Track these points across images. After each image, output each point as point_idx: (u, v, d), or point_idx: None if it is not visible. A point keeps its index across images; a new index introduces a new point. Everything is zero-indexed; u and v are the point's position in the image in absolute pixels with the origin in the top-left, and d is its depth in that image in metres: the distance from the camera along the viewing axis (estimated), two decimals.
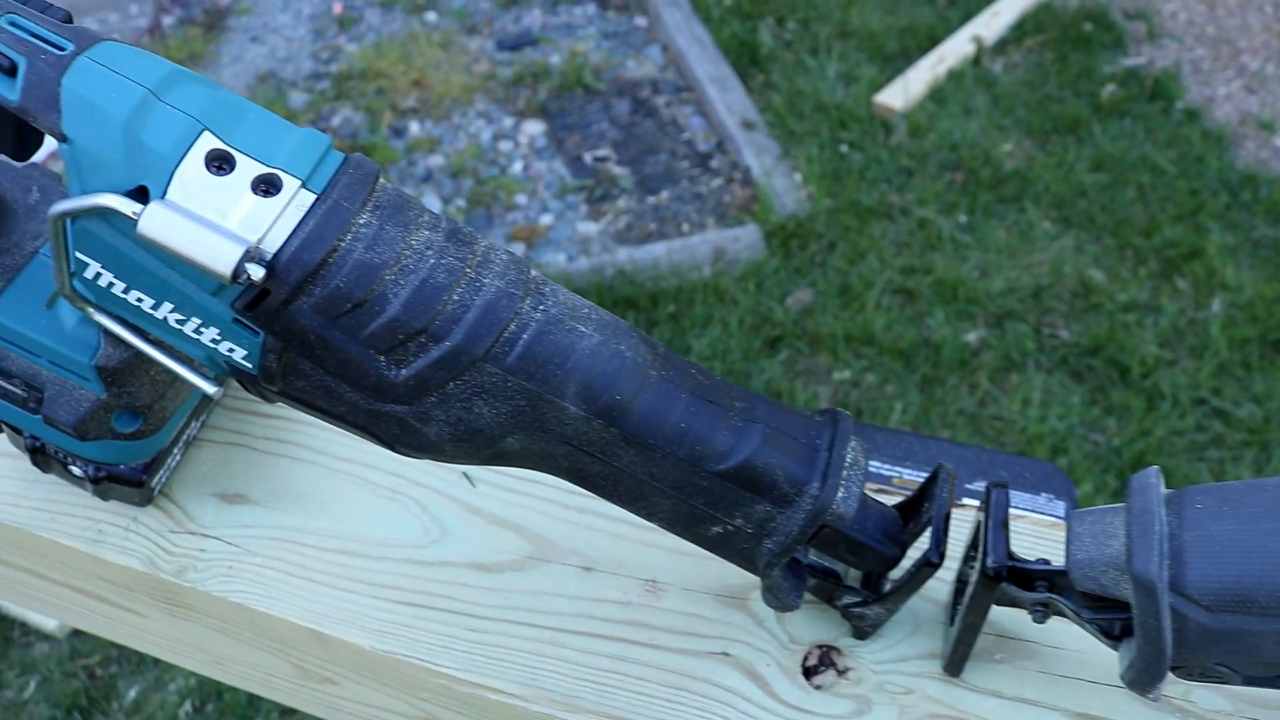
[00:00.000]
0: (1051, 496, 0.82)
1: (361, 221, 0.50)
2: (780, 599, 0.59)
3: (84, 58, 0.50)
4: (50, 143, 0.55)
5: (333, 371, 0.52)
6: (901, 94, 3.06)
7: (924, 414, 2.38)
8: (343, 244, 0.50)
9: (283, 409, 0.77)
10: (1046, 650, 0.65)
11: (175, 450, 0.72)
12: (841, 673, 0.64)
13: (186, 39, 3.54)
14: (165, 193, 0.49)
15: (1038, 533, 0.69)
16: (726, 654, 0.65)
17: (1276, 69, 3.25)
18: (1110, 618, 0.55)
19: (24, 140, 0.57)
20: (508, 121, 3.19)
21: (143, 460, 0.69)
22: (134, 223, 0.49)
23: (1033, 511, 0.69)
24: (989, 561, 0.55)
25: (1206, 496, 0.51)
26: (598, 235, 2.82)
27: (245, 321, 0.52)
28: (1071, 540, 0.54)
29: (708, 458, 0.53)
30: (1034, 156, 2.92)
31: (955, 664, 0.62)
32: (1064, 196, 2.81)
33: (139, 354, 0.62)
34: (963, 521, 0.67)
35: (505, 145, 3.11)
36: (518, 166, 3.03)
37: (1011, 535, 0.57)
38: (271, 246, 0.49)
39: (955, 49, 3.24)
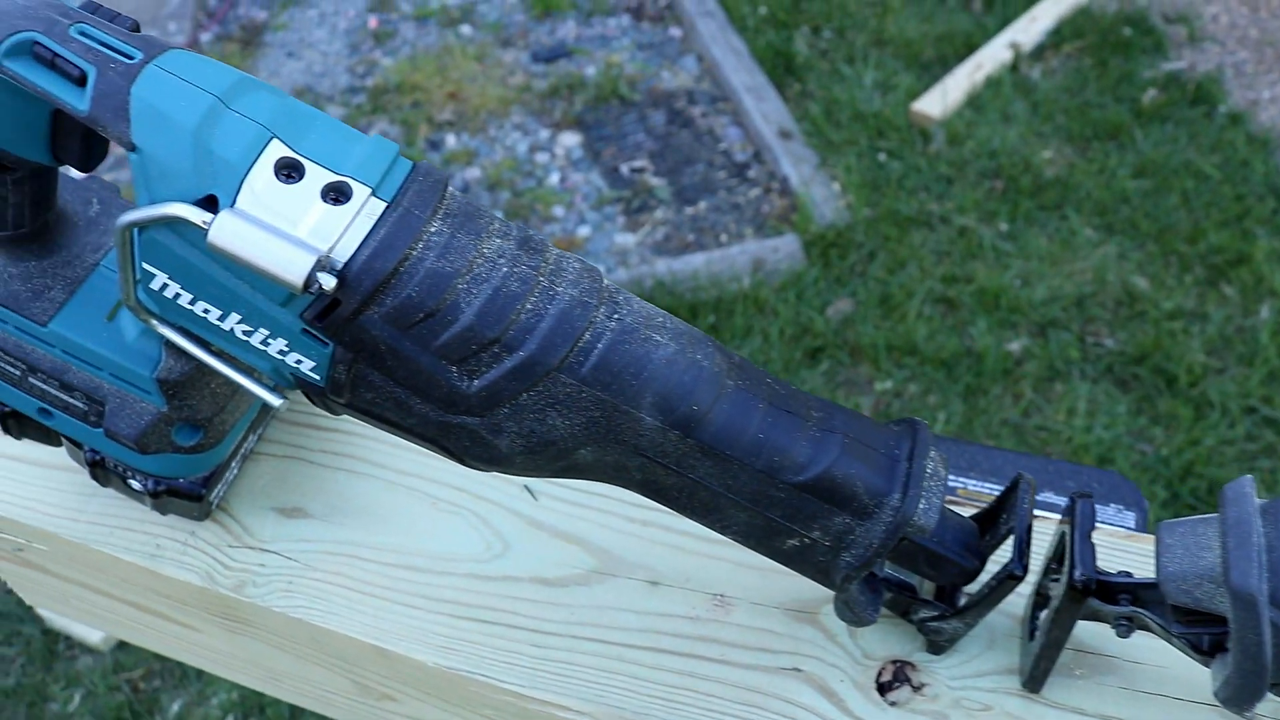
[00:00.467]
0: (1121, 508, 0.80)
1: (433, 229, 0.49)
2: (856, 613, 0.57)
3: (153, 66, 0.49)
4: None
5: (403, 383, 0.51)
6: (939, 102, 3.03)
7: (967, 424, 2.35)
8: (414, 252, 0.49)
9: (339, 422, 0.77)
10: (1128, 665, 0.63)
11: (233, 464, 0.72)
12: (917, 688, 0.62)
13: (224, 55, 3.56)
14: (235, 201, 0.48)
15: (1114, 544, 0.67)
16: (798, 669, 0.63)
17: None
18: (1200, 632, 0.53)
19: (89, 151, 0.57)
20: (544, 133, 3.19)
21: (202, 474, 0.68)
22: (204, 232, 0.48)
23: (1103, 523, 0.67)
24: (1077, 574, 0.53)
25: None
26: (636, 246, 2.81)
27: (314, 332, 0.51)
28: (1162, 552, 0.53)
29: (786, 469, 0.52)
30: (1075, 163, 2.89)
31: (1036, 680, 0.60)
32: (1106, 203, 2.77)
33: (201, 367, 0.62)
34: (1040, 533, 0.66)
35: (542, 157, 3.11)
36: (554, 178, 3.03)
37: None
38: (342, 255, 0.48)
39: (993, 56, 3.21)
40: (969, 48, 3.28)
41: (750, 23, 3.47)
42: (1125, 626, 0.56)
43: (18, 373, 0.64)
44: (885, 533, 0.52)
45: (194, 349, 0.57)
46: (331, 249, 0.48)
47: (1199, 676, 0.59)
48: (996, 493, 0.85)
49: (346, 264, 0.48)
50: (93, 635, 2.07)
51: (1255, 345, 2.44)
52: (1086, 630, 0.61)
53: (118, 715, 2.00)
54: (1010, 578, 0.55)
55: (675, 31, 3.58)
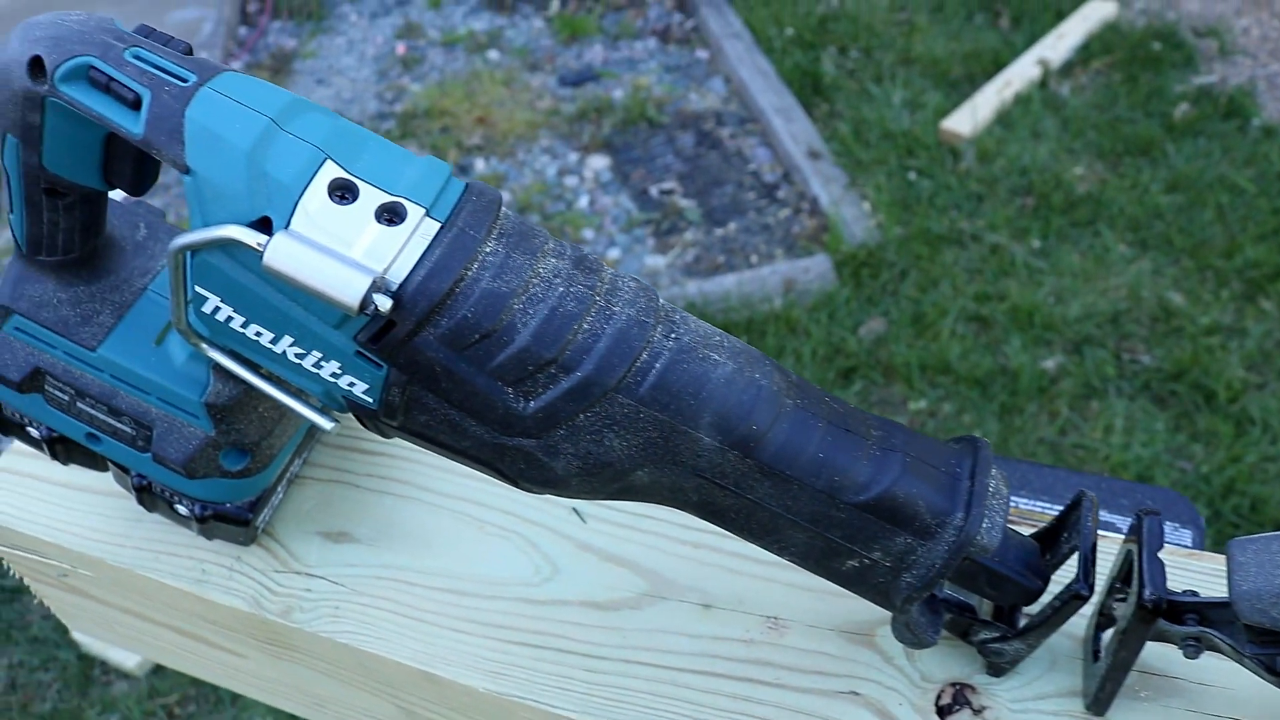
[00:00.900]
0: (1177, 525, 0.79)
1: (488, 249, 0.49)
2: (916, 635, 0.56)
3: (207, 88, 0.49)
4: None
5: (458, 405, 0.50)
6: (969, 119, 3.02)
7: (1003, 443, 2.32)
8: (469, 273, 0.48)
9: (384, 446, 0.76)
10: (1194, 688, 0.61)
11: (279, 488, 0.71)
12: (977, 712, 0.61)
13: None
14: (289, 223, 0.48)
15: (1175, 562, 0.66)
16: (855, 693, 0.62)
17: None
18: (1275, 653, 0.52)
19: (140, 175, 0.57)
20: (572, 156, 3.20)
21: (249, 498, 0.68)
22: (258, 255, 0.48)
23: None
24: (1147, 594, 0.52)
25: None
26: (666, 268, 2.80)
27: (369, 355, 0.50)
28: (1234, 570, 0.51)
29: (846, 488, 0.51)
30: (1106, 179, 2.87)
31: (1101, 702, 0.59)
32: (1139, 219, 2.75)
33: (248, 390, 0.61)
34: (1100, 552, 0.64)
35: (571, 180, 3.11)
36: (584, 201, 3.03)
37: None
38: (397, 276, 0.48)
39: (1021, 73, 3.20)
40: (997, 65, 3.27)
41: (777, 44, 3.47)
42: (1194, 647, 0.55)
43: (66, 398, 0.64)
44: (948, 553, 0.51)
45: (244, 372, 0.56)
46: (386, 270, 0.48)
47: (1271, 698, 0.58)
48: (1048, 510, 0.83)
49: (402, 285, 0.48)
50: (128, 661, 2.07)
51: None
52: (1152, 651, 0.59)
53: None
54: (1076, 597, 0.54)
55: (702, 54, 3.58)
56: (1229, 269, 2.61)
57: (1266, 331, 2.47)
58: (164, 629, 0.82)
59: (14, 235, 0.60)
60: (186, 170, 0.49)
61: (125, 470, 0.67)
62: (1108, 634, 0.60)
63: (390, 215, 0.48)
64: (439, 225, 0.49)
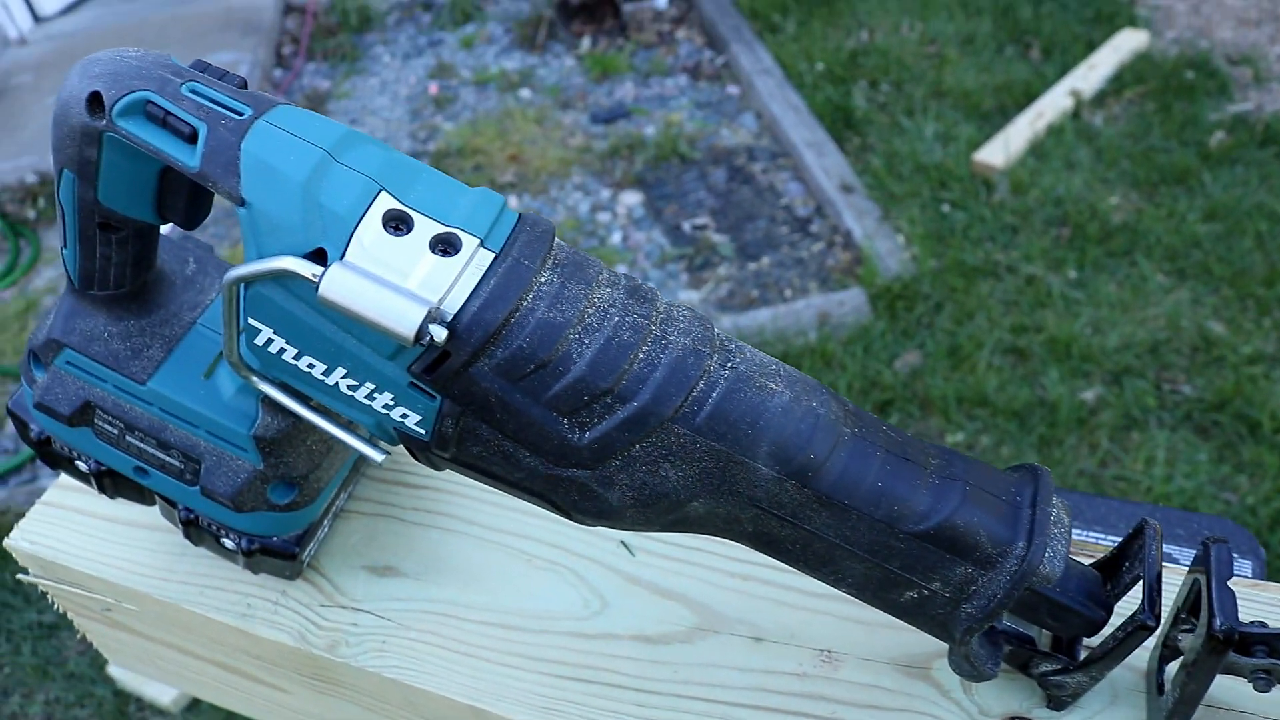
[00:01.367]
0: (1236, 555, 0.77)
1: (542, 280, 0.49)
2: (976, 667, 0.55)
3: (262, 121, 0.49)
4: None
5: (512, 436, 0.50)
6: (1002, 151, 3.01)
7: None
8: (524, 303, 0.48)
9: (430, 479, 0.76)
10: None
11: (324, 522, 0.71)
12: None
13: None
14: (344, 254, 0.48)
15: (1240, 593, 0.64)
16: None
17: None
18: None
19: (194, 209, 0.57)
20: (605, 193, 3.21)
21: (295, 532, 0.68)
22: (313, 286, 0.48)
23: None
24: (1218, 624, 0.50)
25: None
26: (700, 303, 2.80)
27: (423, 385, 0.50)
28: None
29: (906, 518, 0.50)
30: (1142, 209, 2.85)
31: None
32: (1177, 248, 2.72)
33: (297, 424, 0.61)
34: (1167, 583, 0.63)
35: (603, 216, 3.12)
36: (617, 237, 3.04)
37: None
38: (453, 307, 0.48)
39: (1053, 104, 3.19)
40: (1029, 96, 3.27)
41: (808, 79, 3.48)
42: (1264, 680, 0.53)
43: (115, 431, 0.64)
44: (1009, 583, 0.50)
45: (295, 405, 0.56)
46: (442, 300, 0.47)
47: None
48: (1100, 541, 0.82)
49: (457, 315, 0.47)
50: (164, 697, 2.07)
51: None
52: (1219, 684, 0.58)
53: None
54: (1142, 628, 0.53)
55: (733, 89, 3.60)
56: (1270, 297, 2.58)
57: None
58: (207, 664, 0.82)
59: (67, 269, 0.61)
60: (242, 203, 0.49)
61: (172, 504, 0.67)
62: (1172, 667, 0.58)
63: (445, 246, 0.48)
64: (493, 256, 0.49)
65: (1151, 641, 0.60)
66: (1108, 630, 0.56)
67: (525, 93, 3.71)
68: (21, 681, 2.14)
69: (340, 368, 0.52)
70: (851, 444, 0.50)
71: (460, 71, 3.90)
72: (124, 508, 0.77)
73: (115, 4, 4.54)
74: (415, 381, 0.50)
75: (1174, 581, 0.64)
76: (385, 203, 0.49)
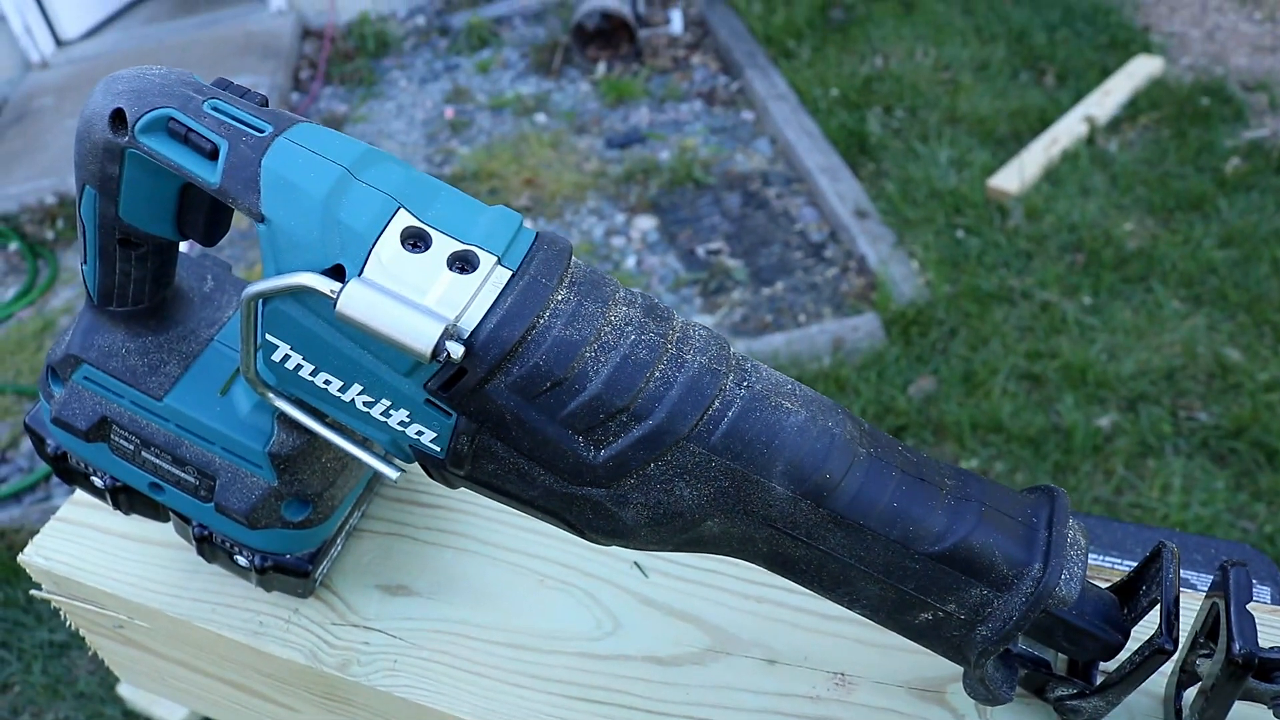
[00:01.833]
0: (1255, 582, 0.76)
1: (559, 298, 0.49)
2: (991, 691, 0.54)
3: (283, 139, 0.50)
4: None
5: (527, 454, 0.50)
6: (1016, 177, 3.01)
7: None
8: (541, 321, 0.48)
9: (443, 499, 0.76)
10: None
11: (338, 541, 0.71)
12: None
13: None
14: (362, 271, 0.48)
15: (1258, 618, 0.64)
16: None
17: None
18: None
19: (213, 226, 0.58)
20: (619, 217, 3.22)
21: (309, 550, 0.68)
22: (331, 302, 0.48)
23: None
24: (1237, 648, 0.50)
25: None
26: (714, 328, 2.80)
27: (438, 403, 0.50)
28: None
29: (921, 539, 0.50)
30: (1158, 235, 2.84)
31: None
32: (1192, 274, 2.72)
33: (312, 441, 0.62)
34: (1182, 608, 0.62)
35: (618, 240, 3.13)
36: (631, 261, 3.05)
37: None
38: (469, 324, 0.48)
39: (1068, 130, 3.19)
40: (1043, 123, 3.27)
41: (822, 104, 3.49)
42: None
43: (131, 447, 0.64)
44: (1025, 605, 0.50)
45: (310, 422, 0.56)
46: (459, 317, 0.47)
47: None
48: (1116, 566, 0.81)
49: (473, 332, 0.48)
50: (173, 716, 2.06)
51: None
52: (1238, 712, 0.57)
53: None
54: (1159, 652, 0.52)
55: (748, 115, 3.61)
56: None
57: None
58: (217, 682, 0.82)
59: (86, 285, 0.61)
60: (261, 219, 0.49)
61: (187, 520, 0.67)
62: (1190, 693, 0.58)
63: (462, 263, 0.49)
64: (510, 273, 0.49)
65: (1169, 667, 0.60)
66: (1124, 655, 0.55)
67: (540, 117, 3.73)
68: (32, 700, 2.14)
69: (357, 384, 0.52)
70: (867, 464, 0.50)
71: (476, 96, 3.92)
72: (138, 524, 0.77)
73: (136, 28, 4.58)
74: (431, 399, 0.50)
75: (1192, 606, 0.64)
76: (404, 220, 0.49)
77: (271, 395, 0.56)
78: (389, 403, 0.51)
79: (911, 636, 0.55)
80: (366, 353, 0.50)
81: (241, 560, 0.68)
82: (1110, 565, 0.81)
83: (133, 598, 0.74)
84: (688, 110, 3.69)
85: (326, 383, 0.52)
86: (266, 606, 0.72)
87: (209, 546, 0.68)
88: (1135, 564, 0.57)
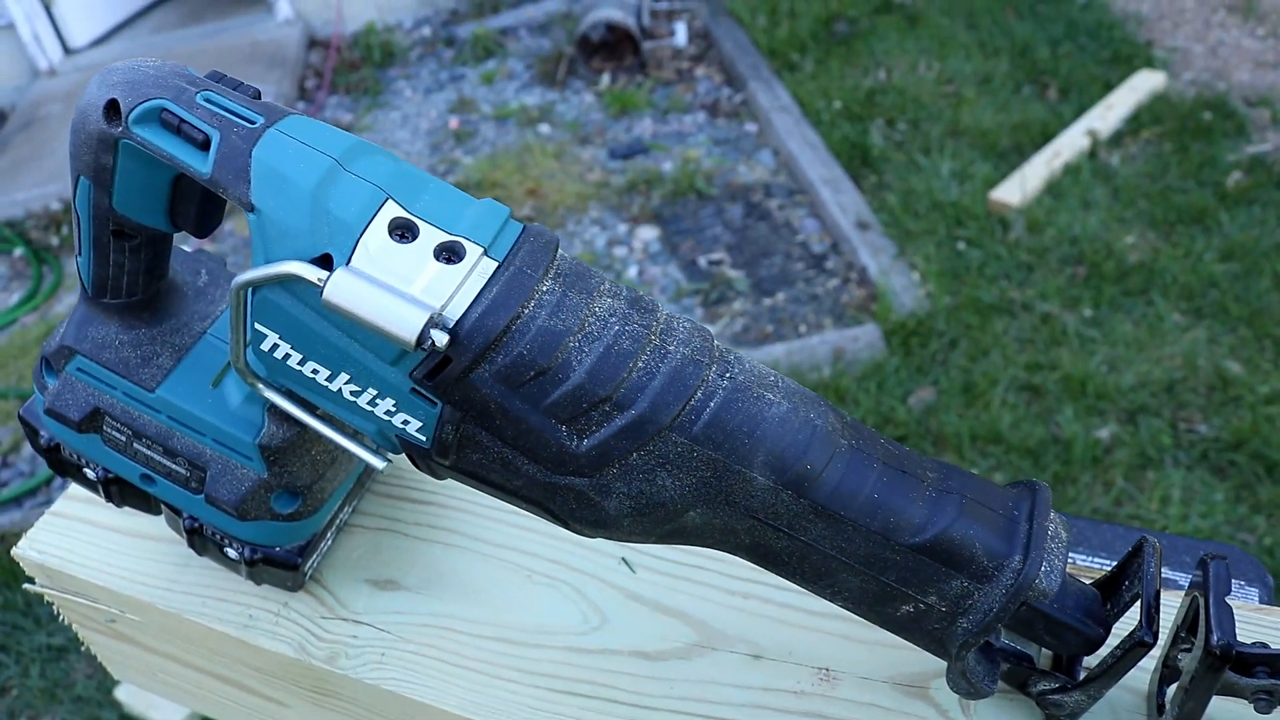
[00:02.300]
0: (1243, 583, 0.76)
1: (544, 288, 0.49)
2: (973, 684, 0.55)
3: (274, 130, 0.50)
4: None
5: (511, 443, 0.51)
6: (1018, 189, 3.02)
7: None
8: (526, 310, 0.49)
9: (433, 495, 0.76)
10: None
11: (328, 535, 0.72)
12: None
13: None
14: (350, 260, 0.48)
15: (1244, 617, 0.64)
16: None
17: None
18: None
19: (205, 217, 0.58)
20: (622, 228, 3.23)
21: (298, 543, 0.68)
22: (318, 290, 0.48)
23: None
24: (1214, 639, 0.50)
25: None
26: (715, 337, 2.80)
27: (424, 391, 0.51)
28: None
29: (902, 530, 0.50)
30: (1159, 248, 2.85)
31: None
32: (1193, 288, 2.72)
33: (302, 433, 0.62)
34: (1163, 605, 0.63)
35: (620, 250, 3.14)
36: (633, 271, 3.06)
37: None
38: (455, 313, 0.48)
39: (1070, 143, 3.20)
40: (1045, 136, 3.28)
41: (825, 117, 3.50)
42: (1265, 701, 0.53)
43: (123, 438, 0.64)
44: (1005, 597, 0.50)
45: (299, 412, 0.57)
46: (444, 306, 0.48)
47: None
48: (1105, 567, 0.81)
49: (459, 321, 0.48)
50: (173, 718, 2.07)
51: None
52: (1220, 707, 0.58)
53: None
54: (1139, 645, 0.52)
55: (751, 127, 3.62)
56: None
57: None
58: (208, 677, 0.82)
59: (80, 277, 0.62)
60: (251, 208, 0.50)
61: (178, 512, 0.67)
62: (1172, 688, 0.58)
63: (449, 254, 0.49)
64: (496, 264, 0.49)
65: (1152, 663, 0.60)
66: (1107, 649, 0.56)
67: (544, 128, 3.74)
68: (29, 704, 2.15)
69: (344, 373, 0.52)
70: (848, 455, 0.50)
71: (481, 106, 3.94)
72: (131, 519, 0.78)
73: (144, 36, 4.61)
74: (417, 388, 0.51)
75: (1175, 603, 0.64)
76: (391, 211, 0.49)
77: (261, 386, 0.57)
78: (375, 392, 0.52)
79: (894, 629, 0.55)
80: (353, 341, 0.51)
81: (232, 553, 0.68)
82: (1099, 566, 0.81)
83: (124, 590, 0.75)
84: (691, 122, 3.70)
85: (314, 372, 0.53)
86: (257, 600, 0.73)
87: (200, 539, 0.68)
88: None
